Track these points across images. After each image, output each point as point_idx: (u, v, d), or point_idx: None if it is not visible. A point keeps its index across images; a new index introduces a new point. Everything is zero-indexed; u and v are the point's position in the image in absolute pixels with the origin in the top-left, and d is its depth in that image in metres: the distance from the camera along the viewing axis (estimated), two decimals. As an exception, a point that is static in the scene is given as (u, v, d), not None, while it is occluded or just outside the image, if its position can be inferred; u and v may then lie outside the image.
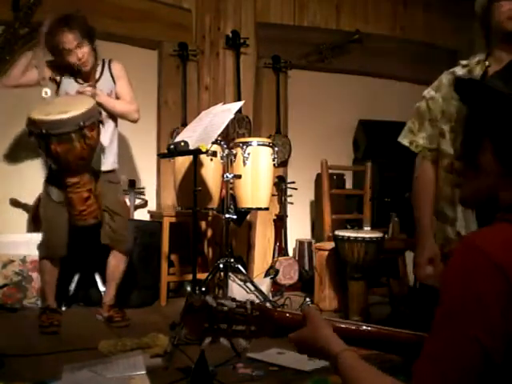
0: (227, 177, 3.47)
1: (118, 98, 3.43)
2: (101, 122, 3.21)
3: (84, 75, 3.33)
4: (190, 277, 3.37)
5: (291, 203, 4.62)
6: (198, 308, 1.11)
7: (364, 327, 1.19)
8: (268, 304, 3.46)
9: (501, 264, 0.85)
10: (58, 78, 3.30)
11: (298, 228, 4.83)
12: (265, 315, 1.13)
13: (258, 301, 3.52)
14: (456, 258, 0.90)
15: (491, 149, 0.95)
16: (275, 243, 4.52)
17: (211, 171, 3.55)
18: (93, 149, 3.17)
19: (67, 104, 3.16)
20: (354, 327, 1.18)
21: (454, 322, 0.87)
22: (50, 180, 3.30)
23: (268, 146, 3.62)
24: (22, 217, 3.87)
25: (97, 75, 3.38)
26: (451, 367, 0.85)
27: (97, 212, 3.25)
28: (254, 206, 3.61)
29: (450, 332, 0.87)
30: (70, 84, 3.30)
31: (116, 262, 3.41)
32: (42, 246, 3.36)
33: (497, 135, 0.95)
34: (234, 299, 1.14)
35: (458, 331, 0.86)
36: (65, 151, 3.02)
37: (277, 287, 4.15)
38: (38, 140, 3.06)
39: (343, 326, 1.17)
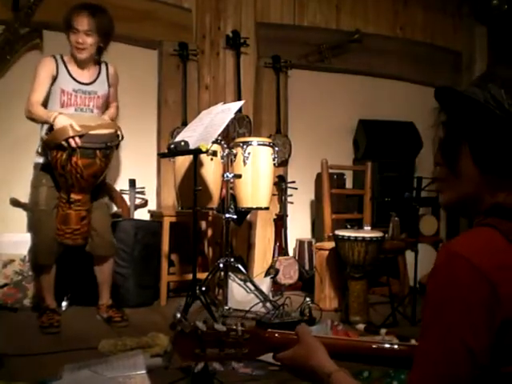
0: (227, 176, 3.47)
1: (104, 102, 3.45)
2: (117, 145, 3.26)
3: (81, 74, 3.33)
4: (190, 277, 3.37)
5: (291, 203, 4.62)
6: (189, 334, 1.10)
7: (355, 342, 1.21)
8: (268, 304, 3.47)
9: (482, 268, 0.86)
10: (54, 72, 3.26)
11: (298, 228, 4.83)
12: (256, 337, 1.13)
13: (257, 301, 3.53)
14: (438, 265, 0.91)
15: (470, 155, 0.97)
16: (275, 243, 4.52)
17: (211, 171, 3.55)
18: (105, 169, 3.23)
19: (91, 121, 3.18)
20: (345, 342, 1.19)
21: (441, 326, 0.88)
22: (41, 184, 3.27)
23: (268, 145, 3.62)
24: (22, 217, 3.87)
25: (94, 76, 3.38)
26: (440, 370, 0.87)
27: (87, 234, 3.26)
28: (254, 206, 3.61)
29: (436, 336, 0.88)
30: (66, 81, 3.28)
31: (106, 267, 3.42)
32: (31, 253, 3.37)
33: (474, 142, 0.96)
34: (224, 323, 1.14)
35: (444, 335, 0.87)
36: (85, 166, 3.06)
37: (277, 287, 4.15)
38: (56, 152, 3.04)
39: (335, 341, 1.17)
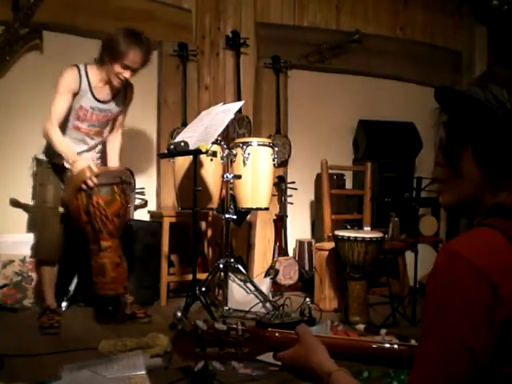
0: (227, 177, 3.48)
1: (115, 117, 3.48)
2: (132, 185, 3.29)
3: (102, 91, 3.30)
4: (190, 277, 3.37)
5: (291, 203, 4.61)
6: (189, 333, 1.10)
7: (355, 342, 1.21)
8: (268, 305, 3.47)
9: (482, 268, 0.86)
10: (77, 88, 3.21)
11: (298, 228, 4.83)
12: (256, 336, 1.13)
13: (257, 301, 3.52)
14: (438, 265, 0.91)
15: (471, 155, 0.97)
16: (275, 243, 4.51)
17: (211, 171, 3.55)
18: (127, 210, 3.23)
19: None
20: (345, 342, 1.19)
21: (441, 326, 0.88)
22: (48, 182, 3.29)
23: (268, 146, 3.62)
24: (22, 217, 3.87)
25: (113, 93, 3.36)
26: (440, 370, 0.87)
27: (126, 282, 3.19)
28: (254, 206, 3.61)
29: (436, 336, 0.88)
30: (87, 98, 3.26)
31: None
32: (35, 249, 3.38)
33: (476, 142, 0.96)
34: (224, 322, 1.14)
35: (444, 335, 0.87)
36: (106, 203, 3.05)
37: (277, 287, 4.15)
38: (77, 198, 3.04)
39: (335, 341, 1.18)
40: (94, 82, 3.26)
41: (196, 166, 3.21)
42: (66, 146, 3.17)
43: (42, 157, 3.34)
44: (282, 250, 4.49)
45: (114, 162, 3.51)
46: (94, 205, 3.02)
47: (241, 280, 3.64)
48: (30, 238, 3.65)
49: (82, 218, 3.06)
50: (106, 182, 3.08)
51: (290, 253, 4.64)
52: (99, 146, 3.49)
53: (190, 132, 3.35)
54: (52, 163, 3.30)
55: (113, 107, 3.38)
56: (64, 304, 3.60)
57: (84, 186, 3.01)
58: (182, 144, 3.16)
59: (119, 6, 4.11)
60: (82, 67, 3.24)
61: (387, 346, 1.16)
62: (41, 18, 3.85)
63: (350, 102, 5.02)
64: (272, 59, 4.63)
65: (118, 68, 3.17)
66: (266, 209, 3.69)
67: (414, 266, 3.52)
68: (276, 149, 3.64)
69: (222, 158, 3.56)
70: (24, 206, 3.88)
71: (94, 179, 3.01)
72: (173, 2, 4.38)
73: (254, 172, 3.54)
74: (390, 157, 4.87)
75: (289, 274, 4.33)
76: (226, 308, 3.46)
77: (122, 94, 3.41)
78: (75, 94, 3.21)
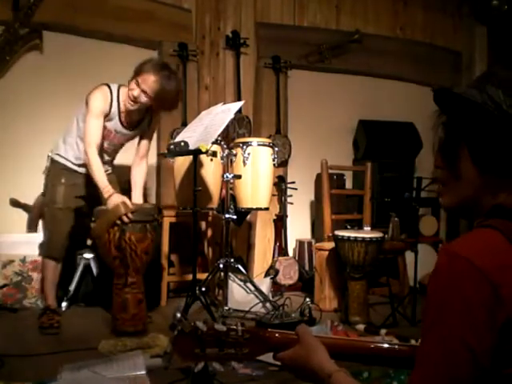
0: (227, 177, 3.47)
1: (140, 138, 3.48)
2: (157, 220, 3.29)
3: (129, 117, 3.32)
4: (190, 277, 3.37)
5: (291, 203, 4.61)
6: (189, 333, 1.10)
7: (355, 342, 1.21)
8: (268, 305, 3.47)
9: (483, 269, 0.87)
10: (107, 111, 3.21)
11: (298, 228, 4.83)
12: (256, 337, 1.13)
13: (257, 301, 3.52)
14: (439, 266, 0.92)
15: (469, 157, 0.97)
16: (275, 243, 4.51)
17: (211, 171, 3.55)
18: (154, 247, 3.22)
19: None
20: (346, 343, 1.19)
21: (441, 326, 0.88)
22: (59, 183, 3.31)
23: (268, 146, 3.62)
24: (22, 217, 3.87)
25: (139, 121, 3.38)
26: (440, 371, 0.87)
27: (145, 319, 3.17)
28: (254, 206, 3.61)
29: (437, 337, 0.88)
30: (114, 123, 3.28)
31: None
32: (44, 246, 3.39)
33: (473, 143, 0.97)
34: (224, 323, 1.14)
35: (445, 335, 0.87)
36: (138, 240, 3.07)
37: (277, 287, 4.15)
38: (108, 234, 3.03)
39: (335, 341, 1.18)
40: (123, 106, 3.26)
41: (196, 165, 3.21)
42: (104, 178, 3.14)
43: (55, 157, 3.36)
44: (282, 250, 4.49)
45: (138, 195, 3.47)
46: (126, 240, 3.03)
47: (241, 280, 3.64)
48: (30, 237, 3.66)
49: (112, 252, 3.06)
50: (140, 219, 3.09)
51: (290, 253, 4.64)
52: (112, 161, 3.55)
53: (190, 132, 3.35)
54: (67, 167, 3.34)
55: (135, 132, 3.43)
56: (64, 304, 3.60)
57: (119, 222, 3.02)
58: (182, 144, 3.16)
59: (119, 5, 4.11)
60: (114, 89, 3.23)
61: (387, 346, 1.16)
62: (41, 18, 3.85)
63: (350, 102, 5.02)
64: (272, 59, 4.63)
65: (132, 84, 3.16)
66: (266, 209, 3.69)
67: (414, 266, 3.52)
68: (276, 149, 3.64)
69: (222, 158, 3.56)
70: (24, 206, 3.88)
71: (130, 215, 3.03)
72: (173, 1, 4.38)
73: (254, 172, 3.54)
74: (390, 157, 4.87)
75: (289, 274, 4.33)
76: (226, 308, 3.46)
77: (148, 121, 3.42)
78: (105, 116, 3.23)
